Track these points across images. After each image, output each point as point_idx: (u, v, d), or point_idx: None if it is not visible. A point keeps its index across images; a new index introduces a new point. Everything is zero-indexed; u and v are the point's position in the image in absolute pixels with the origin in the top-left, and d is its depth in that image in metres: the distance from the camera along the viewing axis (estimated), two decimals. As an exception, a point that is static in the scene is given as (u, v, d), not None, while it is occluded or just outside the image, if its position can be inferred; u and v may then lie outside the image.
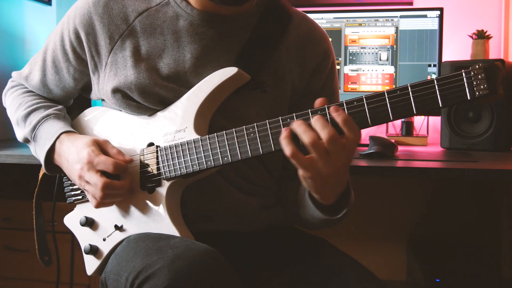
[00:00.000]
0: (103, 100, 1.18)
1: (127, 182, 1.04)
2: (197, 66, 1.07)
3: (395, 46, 1.95)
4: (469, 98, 0.81)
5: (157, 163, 1.05)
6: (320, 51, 1.15)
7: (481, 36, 2.00)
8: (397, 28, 1.95)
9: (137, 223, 1.06)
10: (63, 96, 1.24)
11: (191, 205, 1.08)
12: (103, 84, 1.12)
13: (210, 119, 1.06)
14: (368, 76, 1.98)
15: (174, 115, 1.06)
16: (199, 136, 1.01)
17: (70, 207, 1.20)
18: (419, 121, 2.08)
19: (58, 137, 1.10)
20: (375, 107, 0.86)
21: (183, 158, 1.02)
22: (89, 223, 1.14)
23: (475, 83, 0.81)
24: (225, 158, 0.97)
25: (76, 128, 1.19)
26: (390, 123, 2.08)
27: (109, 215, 1.10)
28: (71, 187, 1.19)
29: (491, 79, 0.80)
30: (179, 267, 0.85)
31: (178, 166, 1.02)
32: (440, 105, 0.83)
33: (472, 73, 0.81)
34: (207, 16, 1.08)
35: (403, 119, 2.03)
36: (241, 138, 0.96)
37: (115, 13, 1.09)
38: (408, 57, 1.95)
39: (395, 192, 2.18)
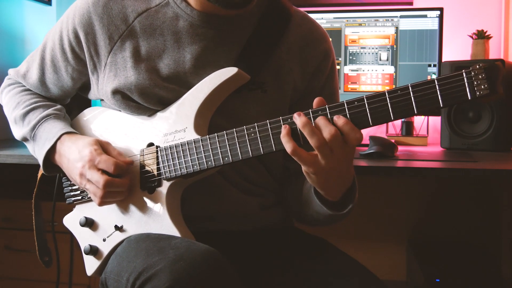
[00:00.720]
0: (102, 100, 1.18)
1: (127, 180, 1.05)
2: (197, 66, 1.07)
3: (395, 46, 1.95)
4: (469, 98, 0.81)
5: (157, 163, 1.05)
6: (321, 51, 1.15)
7: (481, 36, 2.00)
8: (397, 28, 1.95)
9: (138, 223, 1.06)
10: (61, 95, 1.24)
11: (192, 205, 1.08)
12: (102, 84, 1.12)
13: (210, 119, 1.06)
14: (368, 76, 1.98)
15: (174, 116, 1.06)
16: (199, 136, 1.01)
17: (70, 207, 1.20)
18: (419, 121, 2.08)
19: (59, 138, 1.10)
20: (376, 107, 0.86)
21: (183, 158, 1.01)
22: (89, 223, 1.13)
23: (475, 83, 0.81)
24: (226, 158, 0.97)
25: (75, 128, 1.19)
26: (390, 123, 2.08)
27: (109, 216, 1.10)
28: (70, 188, 1.19)
29: (491, 79, 0.80)
30: (180, 267, 0.85)
31: (178, 166, 1.02)
32: (441, 105, 0.83)
33: (472, 73, 0.81)
34: (207, 17, 1.07)
35: (403, 119, 2.03)
36: (241, 138, 0.95)
37: (115, 14, 1.09)
38: (408, 57, 1.95)
39: (395, 192, 2.17)
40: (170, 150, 1.03)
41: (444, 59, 1.92)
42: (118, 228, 1.08)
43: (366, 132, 2.02)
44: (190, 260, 0.87)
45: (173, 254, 0.89)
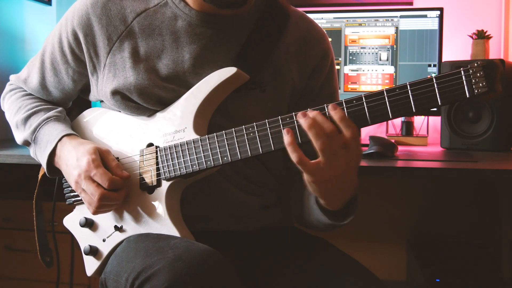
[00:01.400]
0: (101, 101, 1.18)
1: (122, 194, 1.04)
2: (196, 66, 1.07)
3: (395, 46, 1.95)
4: (468, 95, 0.81)
5: (157, 163, 1.05)
6: (319, 51, 1.14)
7: (481, 36, 2.00)
8: (397, 28, 1.95)
9: (137, 223, 1.06)
10: (62, 98, 1.24)
11: (191, 205, 1.08)
12: (101, 85, 1.12)
13: (209, 119, 1.05)
14: (368, 76, 1.98)
15: (173, 116, 1.06)
16: (198, 136, 1.01)
17: (70, 207, 1.20)
18: (419, 121, 2.08)
19: (60, 140, 1.10)
20: (374, 106, 0.86)
21: (183, 158, 1.01)
22: (89, 224, 1.14)
23: (473, 81, 0.81)
24: (225, 158, 0.97)
25: (76, 129, 1.19)
26: (390, 123, 2.08)
27: (108, 216, 1.10)
28: (70, 188, 1.19)
29: (489, 76, 0.80)
30: (179, 268, 0.85)
31: (177, 166, 1.02)
32: (439, 103, 0.83)
33: (471, 71, 0.81)
34: (206, 17, 1.08)
35: (403, 119, 2.03)
36: (240, 138, 0.96)
37: (113, 14, 1.09)
38: (408, 57, 1.94)
39: (395, 192, 2.17)
40: (170, 150, 1.03)
41: (444, 59, 1.91)
42: (118, 229, 1.08)
43: (366, 132, 2.03)
44: (189, 260, 0.87)
45: (172, 254, 0.89)
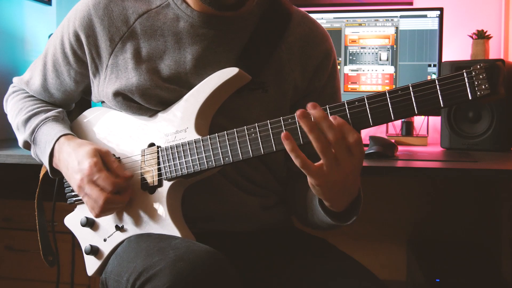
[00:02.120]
0: (102, 102, 1.18)
1: (126, 196, 1.04)
2: (198, 67, 1.07)
3: (395, 46, 1.95)
4: (470, 98, 0.81)
5: (158, 163, 1.05)
6: (322, 50, 1.14)
7: (481, 36, 2.00)
8: (397, 28, 1.95)
9: (138, 223, 1.06)
10: (65, 99, 1.24)
11: (192, 205, 1.08)
12: (103, 86, 1.12)
13: (211, 119, 1.05)
14: (368, 76, 1.98)
15: (174, 116, 1.06)
16: (200, 137, 1.01)
17: (70, 207, 1.20)
18: (419, 121, 2.08)
19: (57, 140, 1.10)
20: (376, 107, 0.86)
21: (184, 159, 1.01)
22: (90, 223, 1.13)
23: (476, 83, 0.81)
24: (226, 158, 0.97)
25: (77, 129, 1.19)
26: (390, 123, 2.08)
27: (109, 216, 1.10)
28: (71, 188, 1.19)
29: (492, 79, 0.80)
30: (180, 268, 0.85)
31: (179, 167, 1.02)
32: (442, 105, 0.83)
33: (473, 73, 0.81)
34: (207, 18, 1.07)
35: (403, 119, 2.03)
36: (242, 138, 0.95)
37: (116, 15, 1.09)
38: (408, 57, 1.95)
39: (395, 192, 2.17)
40: (171, 150, 1.03)
41: (444, 59, 1.92)
42: (119, 228, 1.08)
43: (366, 132, 2.03)
44: (190, 260, 0.87)
45: (173, 254, 0.89)
